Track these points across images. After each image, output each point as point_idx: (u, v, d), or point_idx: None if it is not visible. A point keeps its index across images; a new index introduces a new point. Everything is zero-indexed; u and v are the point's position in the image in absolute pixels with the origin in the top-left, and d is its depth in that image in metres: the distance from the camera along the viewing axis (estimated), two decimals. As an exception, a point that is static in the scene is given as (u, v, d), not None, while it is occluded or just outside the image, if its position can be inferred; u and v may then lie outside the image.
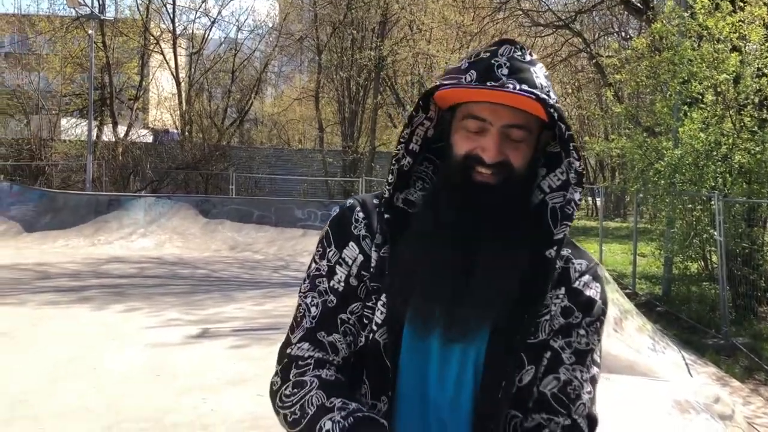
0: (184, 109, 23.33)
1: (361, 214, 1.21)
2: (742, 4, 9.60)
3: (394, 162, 1.19)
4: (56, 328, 6.96)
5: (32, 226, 14.85)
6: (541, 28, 18.99)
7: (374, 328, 1.14)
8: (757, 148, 9.30)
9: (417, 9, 21.01)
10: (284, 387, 1.12)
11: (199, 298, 9.16)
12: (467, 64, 1.15)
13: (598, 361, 1.17)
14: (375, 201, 1.23)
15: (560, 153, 1.17)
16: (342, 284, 1.18)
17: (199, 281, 10.67)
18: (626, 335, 5.98)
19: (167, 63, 23.43)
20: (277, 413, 1.13)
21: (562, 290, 1.16)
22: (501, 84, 1.09)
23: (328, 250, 1.21)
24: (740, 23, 9.38)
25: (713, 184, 9.73)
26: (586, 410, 1.13)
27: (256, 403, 4.86)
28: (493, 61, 1.12)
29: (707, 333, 8.62)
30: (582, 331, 1.15)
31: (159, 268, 11.79)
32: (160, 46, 23.66)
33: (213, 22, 26.73)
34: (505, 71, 1.11)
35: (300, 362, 1.13)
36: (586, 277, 1.18)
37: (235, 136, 25.60)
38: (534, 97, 1.08)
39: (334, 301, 1.17)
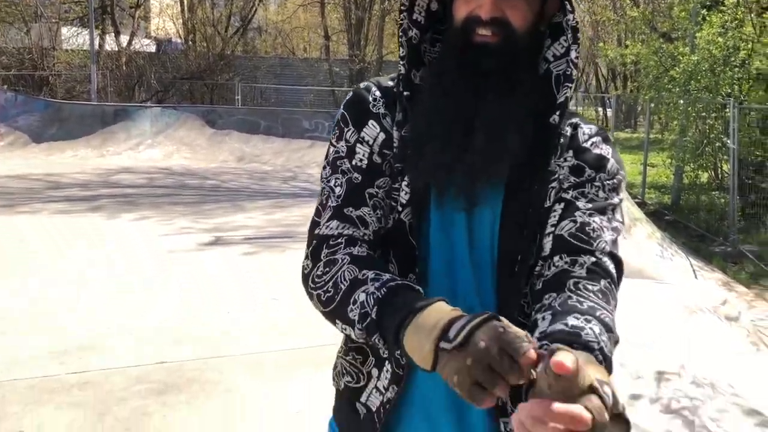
0: (186, 17, 22.71)
1: (378, 93, 1.17)
2: None
3: (401, 34, 1.14)
4: (70, 236, 7.05)
5: (39, 137, 14.81)
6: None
7: (399, 209, 1.12)
8: (777, 54, 9.05)
9: None
10: (315, 268, 1.09)
11: (209, 207, 9.22)
12: None
13: (620, 219, 1.10)
14: (390, 82, 1.19)
15: (561, 22, 1.12)
16: (365, 161, 1.14)
17: (208, 191, 10.70)
18: (635, 242, 6.02)
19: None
20: (311, 296, 1.10)
21: (570, 153, 1.12)
22: None
23: (345, 130, 1.16)
24: None
25: (729, 90, 9.53)
26: (608, 248, 1.03)
27: (270, 306, 4.99)
28: None
29: (715, 241, 8.67)
30: (597, 185, 1.10)
31: (168, 179, 11.82)
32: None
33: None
34: None
35: (331, 242, 1.09)
36: (596, 138, 1.14)
37: (239, 45, 25.01)
38: None
39: (359, 178, 1.13)
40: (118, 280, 5.56)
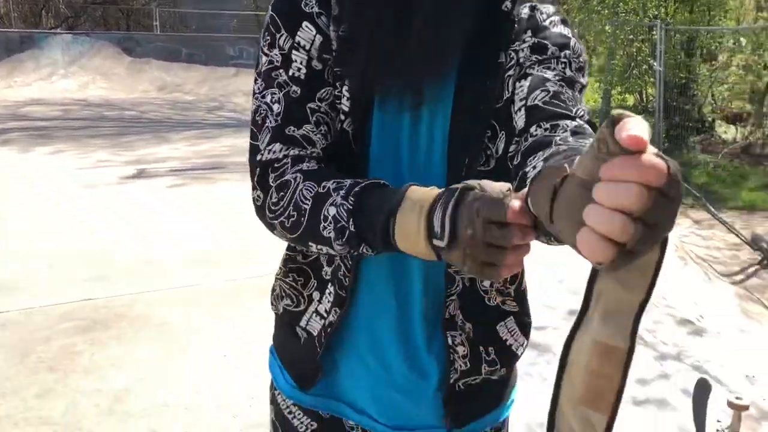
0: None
1: None
2: None
3: None
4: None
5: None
6: None
7: (342, 117, 0.99)
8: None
9: None
10: (268, 197, 0.96)
11: (130, 139, 8.78)
12: None
13: (583, 103, 0.98)
14: None
15: None
16: (303, 70, 0.99)
17: (128, 123, 10.19)
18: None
19: None
20: (272, 227, 0.97)
21: (529, 33, 0.99)
22: None
23: (278, 36, 1.00)
24: None
25: (656, 13, 9.62)
26: (587, 117, 0.91)
27: (202, 237, 4.80)
28: None
29: (640, 162, 8.91)
30: (564, 61, 0.98)
31: (84, 110, 11.17)
32: None
33: None
34: None
35: (275, 164, 0.96)
36: (555, 18, 1.03)
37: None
38: None
39: (298, 91, 0.98)
40: (36, 216, 5.22)
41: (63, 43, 14.21)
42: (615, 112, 0.51)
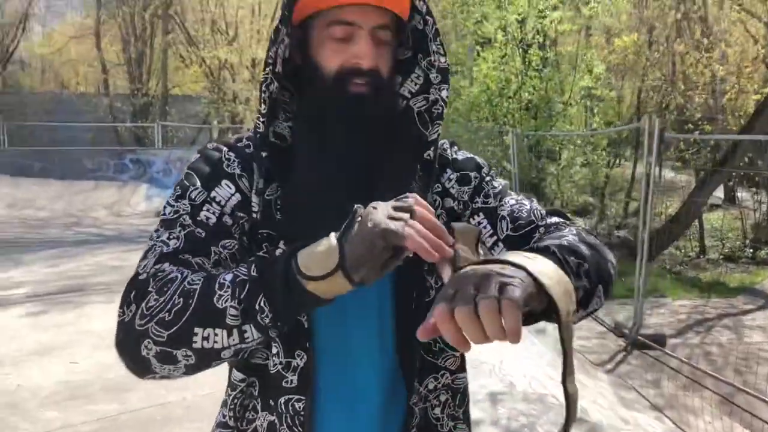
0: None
1: (231, 154, 1.06)
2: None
3: (264, 89, 1.03)
4: None
5: None
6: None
7: None
8: (542, 85, 10.14)
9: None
10: (141, 305, 0.88)
11: (-23, 263, 8.06)
12: None
13: (514, 194, 1.18)
14: (240, 143, 1.08)
15: (413, 59, 1.11)
16: (213, 219, 0.99)
17: (-27, 245, 9.38)
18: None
19: None
20: (138, 342, 0.87)
21: (448, 171, 1.14)
22: None
23: (191, 189, 1.01)
24: (525, -33, 10.01)
25: (505, 120, 10.49)
26: (544, 212, 1.11)
27: (69, 370, 4.42)
28: None
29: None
30: (487, 179, 1.15)
31: None
32: None
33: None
34: None
35: (159, 275, 0.90)
36: (454, 147, 1.20)
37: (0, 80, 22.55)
38: None
39: (203, 233, 0.98)
40: None
41: None
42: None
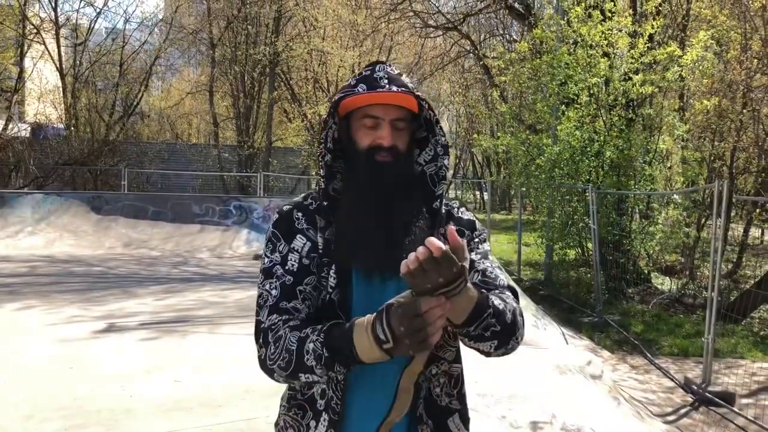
0: (69, 102, 22.34)
1: (300, 214, 1.61)
2: (610, 15, 10.61)
3: (320, 159, 1.60)
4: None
5: None
6: (432, 29, 19.76)
7: (330, 290, 1.52)
8: (624, 145, 10.35)
9: (311, 6, 21.26)
10: (267, 351, 1.47)
11: (99, 294, 9.07)
12: (355, 81, 1.59)
13: (495, 261, 1.64)
14: (305, 202, 1.64)
15: (427, 137, 1.63)
16: (296, 265, 1.56)
17: (96, 278, 10.49)
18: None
19: (49, 54, 22.31)
20: (272, 373, 1.47)
21: (451, 223, 1.62)
22: (388, 89, 1.55)
23: (278, 244, 1.58)
24: (609, 31, 10.38)
25: (588, 177, 10.72)
26: (505, 284, 1.56)
27: (175, 387, 5.08)
28: (375, 75, 1.58)
29: (584, 312, 9.55)
30: (477, 240, 1.64)
31: (51, 267, 11.46)
32: (41, 36, 22.48)
33: (98, 13, 25.66)
34: (386, 81, 1.56)
35: (273, 327, 1.49)
36: (462, 209, 1.70)
37: (123, 130, 24.77)
38: (411, 94, 1.56)
39: (291, 279, 1.54)
40: (7, 373, 5.44)
41: (33, 201, 14.70)
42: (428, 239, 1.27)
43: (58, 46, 22.19)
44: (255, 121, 23.92)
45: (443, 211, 1.64)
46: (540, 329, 6.82)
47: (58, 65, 22.23)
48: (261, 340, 1.50)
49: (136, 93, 24.66)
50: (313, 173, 21.68)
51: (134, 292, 9.35)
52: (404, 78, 1.61)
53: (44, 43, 22.36)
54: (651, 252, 11.50)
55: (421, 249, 1.21)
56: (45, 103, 23.87)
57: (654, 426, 5.02)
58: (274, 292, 1.53)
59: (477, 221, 1.69)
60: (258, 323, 1.53)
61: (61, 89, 22.77)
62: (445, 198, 1.67)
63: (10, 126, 21.20)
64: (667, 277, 11.76)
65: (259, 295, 1.56)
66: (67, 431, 4.16)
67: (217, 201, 15.69)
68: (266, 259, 1.58)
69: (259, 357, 1.50)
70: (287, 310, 1.51)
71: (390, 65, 1.62)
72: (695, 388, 6.25)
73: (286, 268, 1.55)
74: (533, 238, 12.85)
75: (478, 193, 37.47)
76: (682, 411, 5.79)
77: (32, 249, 13.17)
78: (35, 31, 22.36)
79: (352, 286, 1.53)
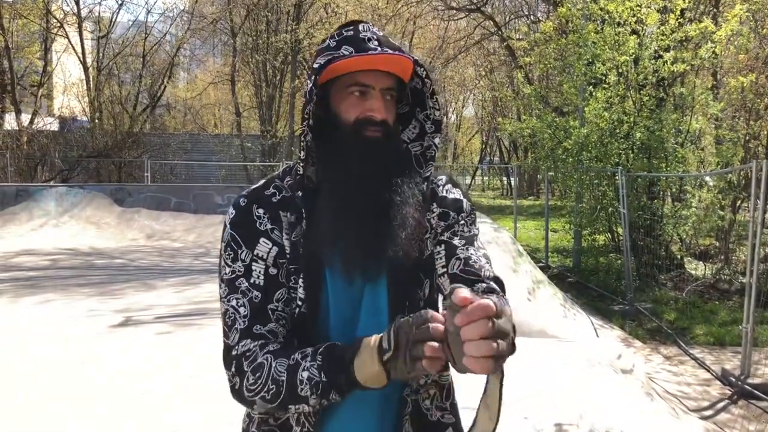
0: (93, 95, 22.42)
1: (260, 210, 1.30)
2: (639, -10, 10.16)
3: (302, 139, 1.30)
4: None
5: (-67, 221, 14.06)
6: (454, 11, 19.36)
7: (299, 303, 1.27)
8: (655, 126, 9.93)
9: (332, -8, 20.98)
10: (244, 380, 1.21)
11: (119, 287, 8.99)
12: (335, 42, 1.30)
13: (483, 247, 1.36)
14: (266, 191, 1.34)
15: (408, 112, 1.40)
16: (262, 278, 1.28)
17: (116, 271, 10.43)
18: (539, 303, 6.35)
19: (73, 47, 22.39)
20: (251, 404, 1.22)
21: (434, 204, 1.37)
22: (382, 51, 1.28)
23: (239, 251, 1.29)
24: (638, 7, 9.94)
25: (617, 160, 10.33)
26: (491, 274, 1.28)
27: (190, 384, 4.93)
28: (361, 36, 1.29)
29: (614, 300, 9.21)
30: (462, 223, 1.36)
31: (73, 259, 11.45)
32: (65, 30, 22.57)
33: (121, 5, 25.67)
34: (376, 42, 1.29)
35: (248, 354, 1.23)
36: (448, 186, 1.42)
37: (147, 122, 24.82)
38: (409, 56, 1.29)
39: (259, 296, 1.27)
40: (14, 367, 5.34)
41: (57, 194, 14.75)
42: (453, 286, 0.99)
43: (81, 40, 22.25)
44: (277, 110, 23.77)
45: (428, 190, 1.40)
46: (568, 319, 6.54)
47: (81, 58, 22.29)
48: (234, 368, 1.24)
49: (159, 84, 24.68)
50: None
51: (154, 284, 9.26)
52: (392, 39, 1.34)
53: (68, 37, 22.46)
54: (684, 236, 11.07)
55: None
56: (69, 96, 24.02)
57: (691, 423, 4.73)
58: (242, 310, 1.26)
59: (466, 201, 1.41)
60: (227, 348, 1.26)
61: (84, 82, 22.85)
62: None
63: (37, 119, 21.35)
64: (701, 263, 11.33)
65: (224, 312, 1.28)
66: (78, 424, 4.02)
67: (240, 191, 15.55)
68: (227, 269, 1.29)
69: (233, 386, 1.24)
70: (262, 335, 1.25)
71: (372, 25, 1.34)
72: (733, 380, 5.92)
73: (251, 281, 1.27)
74: (561, 223, 12.49)
75: (504, 178, 37.03)
76: (720, 405, 5.48)
77: (57, 242, 13.18)
78: (59, 25, 22.47)
79: (327, 295, 1.28)
